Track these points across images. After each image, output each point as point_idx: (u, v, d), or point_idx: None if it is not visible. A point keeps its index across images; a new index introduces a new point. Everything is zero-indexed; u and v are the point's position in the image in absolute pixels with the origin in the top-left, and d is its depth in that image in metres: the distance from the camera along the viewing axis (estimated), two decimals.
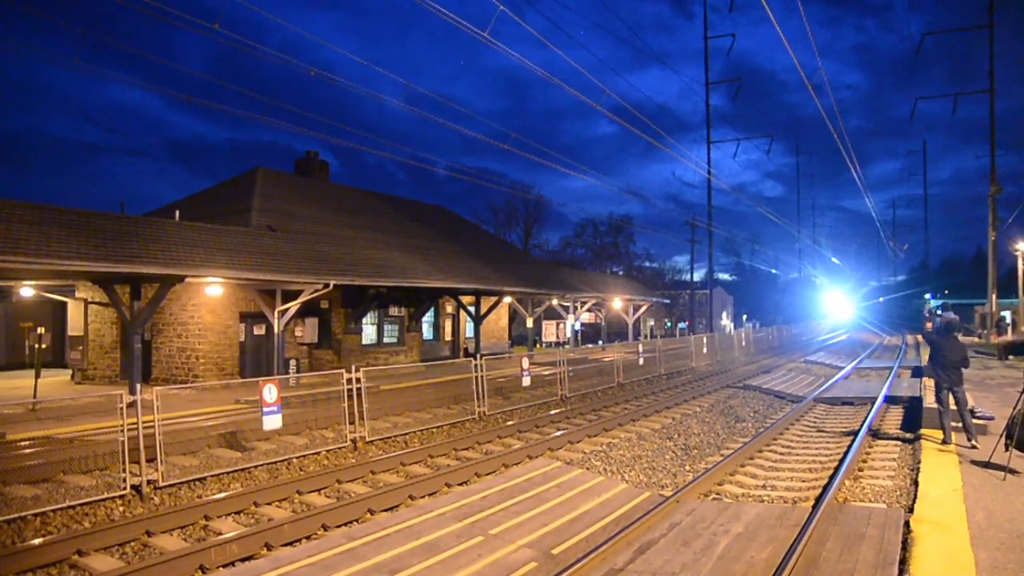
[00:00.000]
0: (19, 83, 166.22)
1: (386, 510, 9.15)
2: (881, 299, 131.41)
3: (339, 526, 8.47)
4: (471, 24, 12.22)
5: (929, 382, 16.64)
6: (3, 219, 13.99)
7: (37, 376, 17.32)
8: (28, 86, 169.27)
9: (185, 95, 12.99)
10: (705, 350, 31.14)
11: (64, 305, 23.74)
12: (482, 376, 16.45)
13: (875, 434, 13.24)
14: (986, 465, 9.38)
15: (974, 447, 10.44)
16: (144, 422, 9.91)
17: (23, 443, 11.55)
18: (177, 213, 21.22)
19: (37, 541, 7.57)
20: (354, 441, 12.82)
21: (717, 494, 9.85)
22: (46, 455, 10.70)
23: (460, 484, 10.47)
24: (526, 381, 18.36)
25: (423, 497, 9.75)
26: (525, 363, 18.42)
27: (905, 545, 6.55)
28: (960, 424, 10.86)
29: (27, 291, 20.86)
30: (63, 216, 15.28)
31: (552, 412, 16.78)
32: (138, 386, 10.57)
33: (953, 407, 10.95)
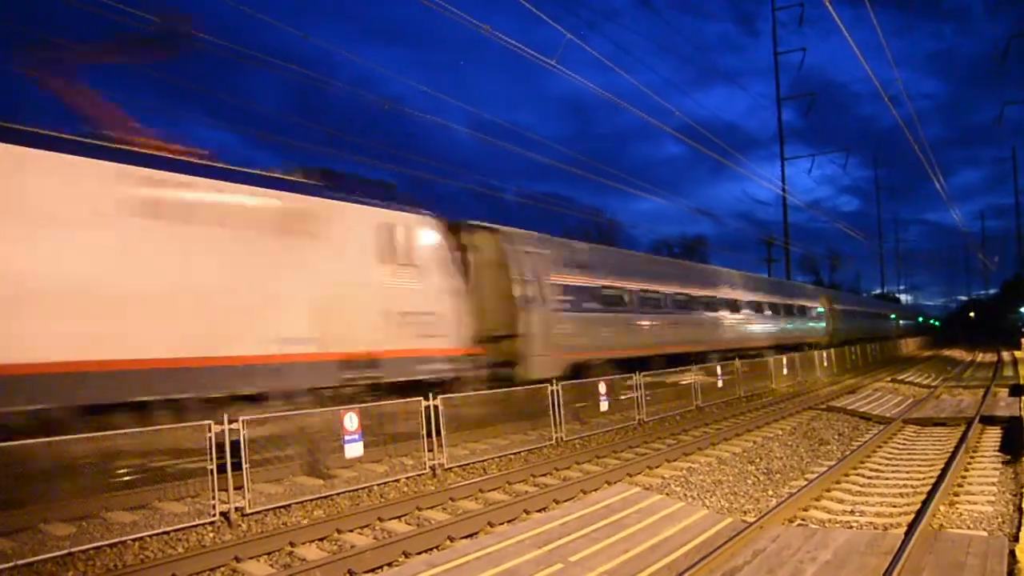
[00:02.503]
0: None
1: (465, 537, 9.20)
2: (972, 314, 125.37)
3: (420, 553, 8.56)
4: (538, 52, 12.42)
5: None
6: None
7: None
8: None
9: (258, 132, 13.61)
10: (785, 371, 30.29)
11: None
12: (559, 402, 16.42)
13: (971, 456, 12.60)
14: None
15: None
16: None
17: (120, 471, 12.14)
18: None
19: (137, 565, 7.92)
20: (433, 468, 12.96)
21: (802, 520, 9.54)
22: (142, 483, 11.21)
23: (538, 510, 10.44)
24: (604, 406, 18.21)
25: (502, 524, 9.77)
26: (602, 388, 18.29)
27: None
28: None
29: None
30: None
31: (630, 437, 16.58)
32: (225, 416, 11.00)
33: None
